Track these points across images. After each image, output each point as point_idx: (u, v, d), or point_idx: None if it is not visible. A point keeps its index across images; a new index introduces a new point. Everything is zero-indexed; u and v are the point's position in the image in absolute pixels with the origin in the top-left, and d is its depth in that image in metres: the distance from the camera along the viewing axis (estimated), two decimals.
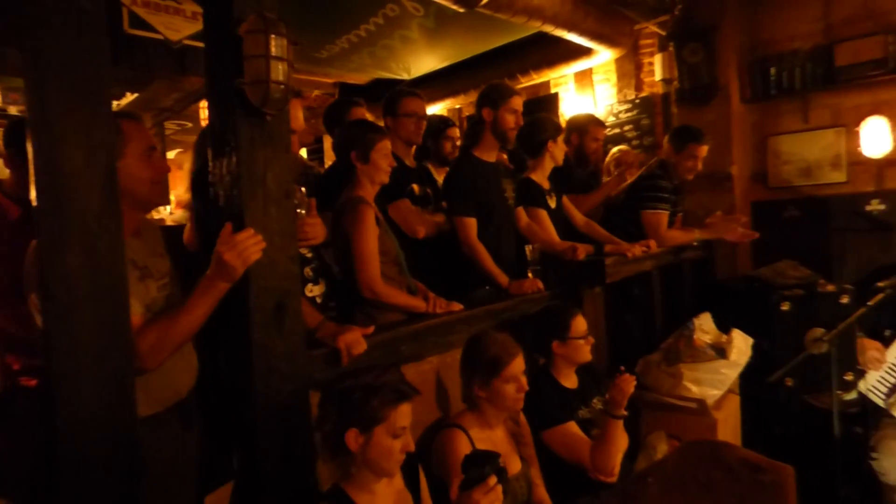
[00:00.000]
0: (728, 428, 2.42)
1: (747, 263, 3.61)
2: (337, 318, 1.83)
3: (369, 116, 2.83)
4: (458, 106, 5.16)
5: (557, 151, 2.70)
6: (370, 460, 1.35)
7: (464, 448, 1.66)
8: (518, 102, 2.44)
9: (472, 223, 2.37)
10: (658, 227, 2.97)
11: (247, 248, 1.28)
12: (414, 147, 2.63)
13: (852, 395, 2.81)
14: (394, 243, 2.06)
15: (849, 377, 2.69)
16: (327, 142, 5.35)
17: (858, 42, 3.29)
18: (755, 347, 2.53)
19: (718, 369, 2.36)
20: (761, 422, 2.78)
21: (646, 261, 2.73)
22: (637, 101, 4.19)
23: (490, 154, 2.52)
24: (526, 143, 2.71)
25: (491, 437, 1.79)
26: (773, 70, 3.53)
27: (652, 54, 3.97)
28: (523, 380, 1.76)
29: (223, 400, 1.44)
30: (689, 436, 2.35)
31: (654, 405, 2.38)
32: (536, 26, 3.47)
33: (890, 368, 2.69)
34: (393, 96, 2.55)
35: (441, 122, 3.08)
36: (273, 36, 1.24)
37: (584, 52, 4.07)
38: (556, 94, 4.68)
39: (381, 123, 2.48)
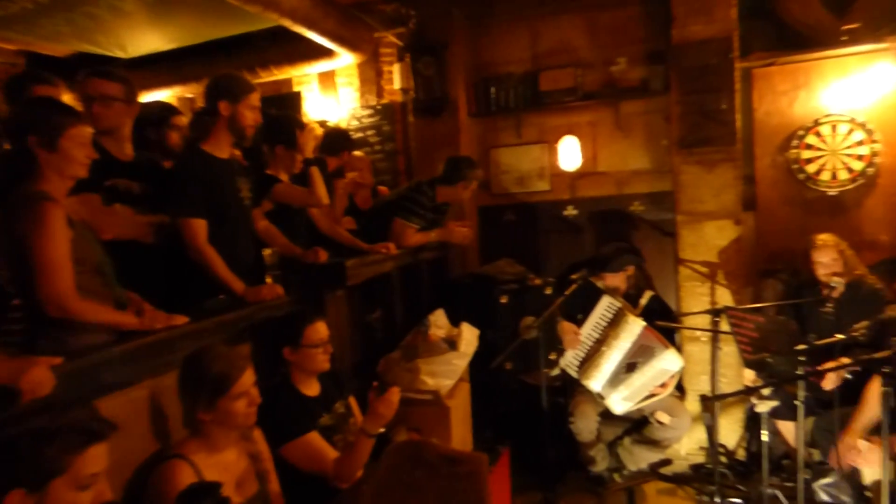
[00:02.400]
0: (460, 413, 2.63)
1: (475, 262, 4.03)
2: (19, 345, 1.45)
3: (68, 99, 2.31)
4: (190, 95, 4.64)
5: (299, 158, 2.62)
6: None
7: (186, 480, 1.45)
8: (258, 98, 2.28)
9: (200, 225, 2.11)
10: (402, 236, 3.12)
11: None
12: (129, 136, 2.25)
13: (556, 371, 3.33)
14: (95, 249, 1.70)
15: (553, 356, 3.17)
16: None
17: (556, 72, 3.93)
18: (481, 337, 2.80)
19: (451, 360, 2.55)
20: (488, 404, 3.10)
21: (386, 262, 2.81)
22: (379, 107, 4.33)
23: (222, 150, 2.28)
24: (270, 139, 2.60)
25: (220, 461, 1.61)
26: (493, 89, 4.01)
27: (391, 63, 4.14)
28: (255, 392, 1.62)
29: None
30: (428, 426, 2.48)
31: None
32: (273, 19, 3.31)
33: (581, 347, 3.26)
34: (87, 75, 2.13)
35: (164, 110, 2.69)
36: None
37: (327, 52, 4.04)
38: (299, 93, 4.56)
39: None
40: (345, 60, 4.19)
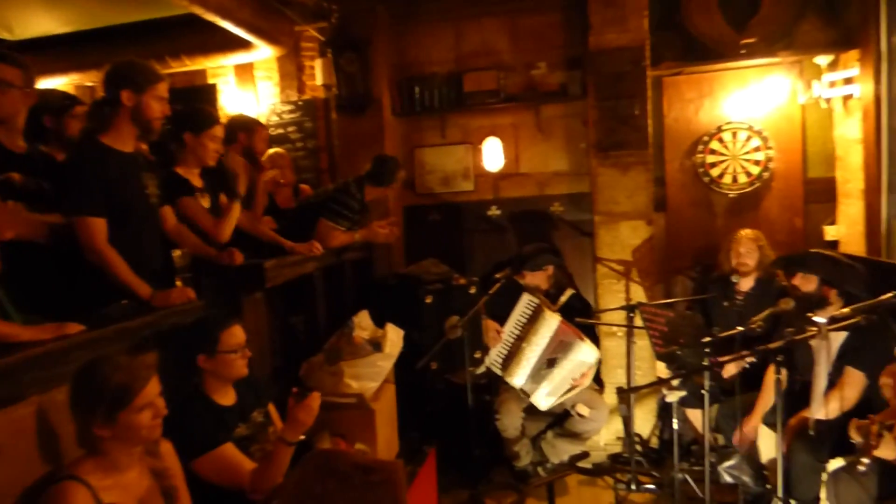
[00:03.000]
0: (385, 416, 2.59)
1: (400, 262, 4.00)
2: None
3: None
4: (90, 83, 4.29)
5: (210, 145, 2.44)
6: None
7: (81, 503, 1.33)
8: (165, 88, 2.12)
9: (99, 224, 1.94)
10: (327, 238, 3.02)
11: None
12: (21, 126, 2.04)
13: (482, 370, 3.37)
14: None
15: (478, 355, 3.21)
16: None
17: (480, 74, 3.97)
18: (406, 338, 2.78)
19: (375, 362, 2.50)
20: (414, 404, 3.08)
21: (308, 263, 2.72)
22: (300, 103, 4.20)
23: (125, 143, 2.11)
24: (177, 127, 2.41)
25: (120, 481, 1.48)
26: (417, 89, 3.99)
27: (313, 58, 4.02)
28: (160, 403, 1.50)
29: None
30: (352, 430, 2.43)
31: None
32: (183, 6, 3.11)
33: (504, 344, 3.31)
34: None
35: (66, 98, 2.47)
36: None
37: (244, 44, 3.86)
38: (214, 86, 4.34)
39: None
40: (263, 53, 4.03)
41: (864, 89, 3.41)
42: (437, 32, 4.08)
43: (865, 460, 1.83)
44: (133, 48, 3.83)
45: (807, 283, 2.59)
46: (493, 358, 3.32)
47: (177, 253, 2.42)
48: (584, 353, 3.16)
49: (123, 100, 2.03)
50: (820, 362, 2.38)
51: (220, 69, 4.32)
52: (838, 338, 2.45)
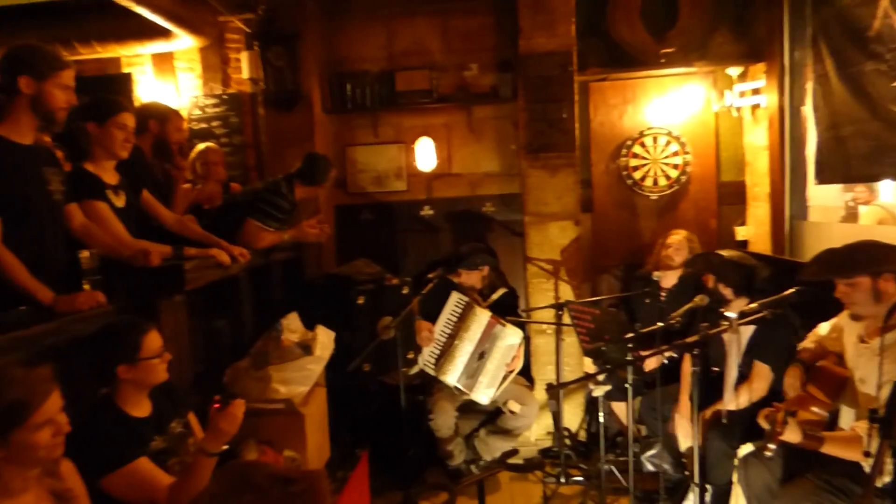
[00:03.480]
0: (315, 421, 2.52)
1: (332, 262, 3.92)
2: None
3: None
4: None
5: (118, 135, 2.27)
6: None
7: None
8: (71, 76, 1.96)
9: None
10: (255, 238, 2.89)
11: None
12: None
13: (415, 370, 3.35)
14: None
15: (410, 355, 3.19)
16: None
17: (412, 73, 3.95)
18: (338, 340, 2.72)
19: (305, 366, 2.43)
20: (347, 407, 3.03)
21: (233, 264, 2.59)
22: (225, 97, 4.01)
23: (24, 134, 1.94)
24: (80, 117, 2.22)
25: None
26: (348, 86, 3.92)
27: (239, 51, 3.85)
28: (62, 420, 1.38)
29: None
30: (281, 437, 2.35)
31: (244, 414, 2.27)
32: None
33: (436, 344, 3.31)
34: None
35: None
36: None
37: (162, 32, 3.65)
38: (129, 75, 4.07)
39: None
40: (184, 43, 3.82)
41: (769, 100, 3.68)
42: (368, 29, 4.02)
43: (772, 446, 1.96)
44: (35, 31, 3.53)
45: (711, 280, 2.77)
46: (426, 358, 3.31)
47: (85, 254, 2.24)
48: (509, 338, 3.22)
49: (21, 87, 1.86)
50: (731, 355, 2.54)
51: (136, 58, 4.06)
52: (747, 332, 2.62)
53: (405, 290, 3.19)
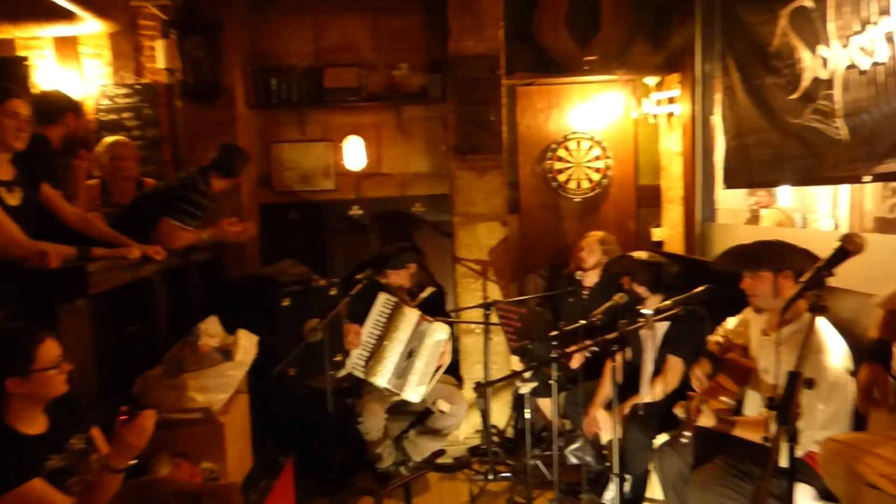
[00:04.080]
0: (236, 429, 2.42)
1: (256, 263, 3.77)
2: None
3: None
4: None
5: (7, 123, 2.06)
6: None
7: None
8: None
9: None
10: (171, 238, 2.71)
11: None
12: None
13: (343, 373, 3.29)
14: None
15: (338, 358, 3.12)
16: None
17: (341, 70, 3.87)
18: (261, 344, 2.62)
19: (225, 372, 2.32)
20: (271, 414, 2.92)
21: (145, 265, 2.43)
22: (139, 87, 3.77)
23: None
24: None
25: None
26: (274, 81, 3.78)
27: (154, 38, 3.63)
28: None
29: None
30: (198, 447, 2.23)
31: (155, 426, 2.14)
32: None
33: (365, 345, 3.27)
34: None
35: None
36: None
37: (65, 14, 3.36)
38: (25, 59, 3.72)
39: None
40: (91, 27, 3.54)
41: (683, 109, 3.90)
42: (295, 23, 3.91)
43: (688, 433, 2.09)
44: None
45: (627, 281, 2.91)
46: (355, 360, 3.26)
47: None
48: (437, 334, 3.24)
49: None
50: (647, 350, 2.67)
51: (34, 41, 3.73)
52: (662, 328, 2.76)
53: (333, 292, 3.11)
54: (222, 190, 2.98)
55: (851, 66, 2.52)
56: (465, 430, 3.76)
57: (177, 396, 2.20)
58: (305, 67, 3.88)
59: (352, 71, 3.87)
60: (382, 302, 3.29)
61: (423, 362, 3.22)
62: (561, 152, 4.24)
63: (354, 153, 4.02)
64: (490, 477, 3.23)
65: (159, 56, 3.51)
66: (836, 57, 2.61)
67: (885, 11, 2.31)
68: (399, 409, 3.33)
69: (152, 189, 3.01)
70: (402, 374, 3.22)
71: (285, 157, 4.00)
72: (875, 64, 2.39)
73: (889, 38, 2.30)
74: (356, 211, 4.08)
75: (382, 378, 3.21)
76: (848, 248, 1.42)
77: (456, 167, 3.71)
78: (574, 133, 4.23)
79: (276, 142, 3.99)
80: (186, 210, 2.76)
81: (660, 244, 4.23)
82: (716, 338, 2.52)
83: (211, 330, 2.44)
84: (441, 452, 3.40)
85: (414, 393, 3.19)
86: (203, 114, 3.54)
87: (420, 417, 3.39)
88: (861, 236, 1.44)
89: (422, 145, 4.07)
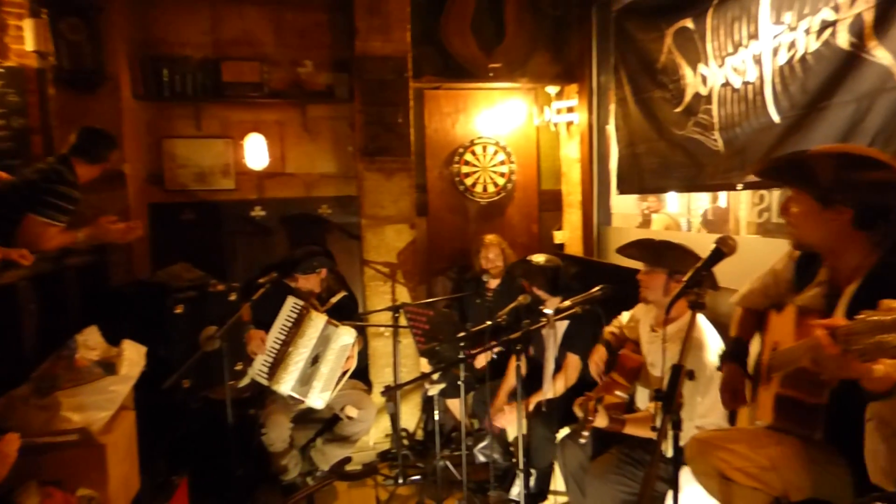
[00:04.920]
0: (120, 450, 2.21)
1: (146, 268, 3.49)
2: None
3: None
4: None
5: None
6: None
7: None
8: None
9: None
10: (42, 237, 2.41)
11: None
12: None
13: (245, 382, 3.12)
14: None
15: (239, 366, 2.96)
16: None
17: (241, 64, 3.68)
18: (151, 355, 2.42)
19: (106, 388, 2.11)
20: (162, 430, 2.71)
21: (6, 271, 2.16)
22: (2, 70, 3.34)
23: None
24: None
25: None
26: (166, 71, 3.52)
27: (21, 17, 3.24)
28: None
29: None
30: (74, 474, 2.01)
31: (21, 451, 1.90)
32: None
33: (269, 352, 3.12)
34: None
35: None
36: None
37: None
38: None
39: None
40: None
41: (581, 118, 4.11)
42: (190, 11, 3.66)
43: (586, 433, 2.21)
44: None
45: (527, 284, 3.02)
46: (259, 368, 3.10)
47: None
48: (343, 338, 3.15)
49: None
50: (549, 348, 2.77)
51: None
52: (562, 326, 2.89)
53: (232, 297, 2.95)
54: (90, 179, 2.66)
55: (726, 84, 2.78)
56: (374, 434, 3.71)
57: (47, 417, 1.97)
58: (202, 59, 3.65)
59: (253, 65, 3.69)
60: (290, 306, 3.17)
61: (328, 368, 3.13)
62: (468, 156, 4.31)
63: (256, 151, 3.84)
64: (400, 481, 3.20)
65: (28, 37, 3.13)
66: (714, 75, 2.86)
67: (753, 36, 2.57)
68: (305, 417, 3.21)
69: (6, 185, 2.63)
70: (306, 380, 3.11)
71: (179, 154, 3.73)
72: (745, 83, 2.65)
73: (757, 60, 2.56)
74: (259, 212, 3.90)
75: (287, 385, 3.08)
76: (723, 249, 1.55)
77: (364, 169, 3.65)
78: (480, 138, 4.32)
79: (168, 137, 3.71)
80: (53, 204, 2.45)
81: (561, 246, 4.42)
82: (611, 329, 2.68)
83: (90, 342, 2.21)
84: (348, 460, 3.33)
85: (318, 399, 3.09)
86: (82, 104, 3.22)
87: (327, 425, 3.30)
88: (734, 238, 1.57)
89: (328, 145, 3.97)
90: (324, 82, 3.86)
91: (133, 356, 2.27)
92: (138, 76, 3.50)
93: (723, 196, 4.56)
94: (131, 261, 3.34)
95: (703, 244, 1.72)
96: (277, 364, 3.10)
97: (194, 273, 2.96)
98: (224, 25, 3.72)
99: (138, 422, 2.43)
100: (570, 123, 4.26)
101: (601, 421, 2.23)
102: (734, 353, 1.82)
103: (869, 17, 2.01)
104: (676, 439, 1.37)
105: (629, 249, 2.40)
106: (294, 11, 3.82)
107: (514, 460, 3.04)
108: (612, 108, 3.88)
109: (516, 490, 2.82)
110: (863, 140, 2.06)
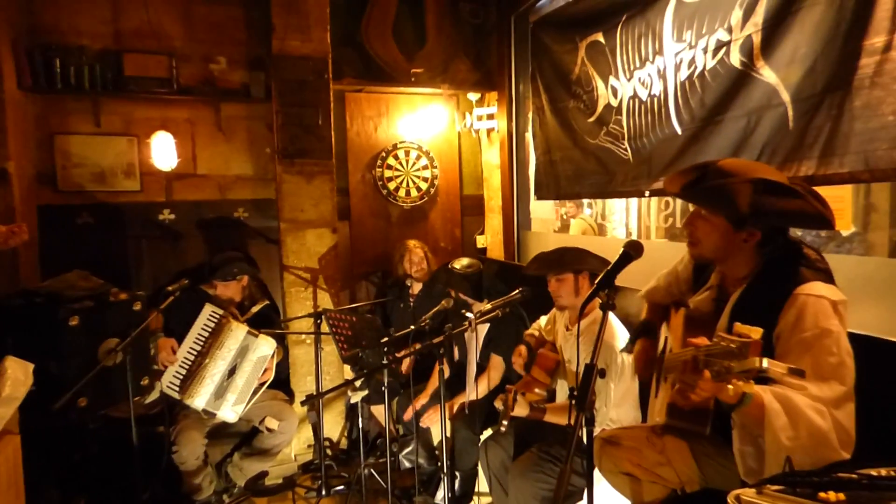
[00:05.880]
0: (3, 479, 1.98)
1: (34, 276, 3.18)
2: None
3: None
4: None
5: None
6: None
7: None
8: None
9: None
10: None
11: None
12: None
13: (153, 397, 2.91)
14: None
15: (145, 381, 2.75)
16: None
17: (146, 57, 3.45)
18: (39, 372, 2.19)
19: None
20: (54, 455, 2.46)
21: None
22: None
23: None
24: None
25: None
26: (57, 61, 3.23)
27: None
28: None
29: None
30: None
31: None
32: None
33: (182, 363, 2.93)
34: None
35: None
36: None
37: None
38: None
39: None
40: None
41: (501, 125, 4.21)
42: None
43: (506, 422, 2.25)
44: None
45: (451, 290, 3.06)
46: (169, 380, 2.90)
47: None
48: (262, 348, 3.02)
49: None
50: (471, 351, 2.80)
51: None
52: (484, 329, 2.93)
53: (137, 307, 2.73)
54: None
55: (634, 96, 2.94)
56: (296, 446, 3.58)
57: None
58: (101, 50, 3.39)
59: (160, 59, 3.48)
60: (207, 315, 2.98)
61: (244, 379, 2.98)
62: (391, 160, 4.29)
63: (164, 151, 3.60)
64: (323, 492, 3.11)
65: None
66: (623, 87, 3.03)
67: (658, 52, 2.74)
68: (221, 431, 3.05)
69: None
70: (221, 393, 2.95)
71: (74, 152, 3.43)
72: (651, 96, 2.82)
73: (661, 75, 2.73)
74: (168, 215, 3.66)
75: (201, 399, 2.90)
76: (631, 253, 1.63)
77: (282, 171, 3.53)
78: (403, 142, 4.31)
79: (61, 133, 3.41)
80: None
81: (484, 250, 4.49)
82: (531, 330, 2.75)
83: None
84: (265, 474, 3.19)
85: (231, 412, 2.94)
86: None
87: (245, 439, 3.14)
88: (641, 243, 1.66)
89: (244, 146, 3.80)
90: (239, 80, 3.70)
91: (17, 374, 2.04)
92: (25, 66, 3.18)
93: (634, 202, 4.82)
94: (17, 268, 3.03)
95: (614, 248, 1.79)
96: (191, 376, 2.92)
97: (92, 281, 2.71)
98: (126, 15, 3.48)
99: (24, 447, 2.19)
100: (490, 130, 4.35)
101: (521, 410, 2.28)
102: (646, 330, 1.90)
103: (757, 39, 2.20)
104: (590, 434, 1.43)
105: (532, 267, 2.48)
106: (206, 4, 3.63)
107: (439, 464, 3.04)
108: (531, 115, 4.00)
109: (441, 494, 2.82)
110: (752, 151, 2.25)
